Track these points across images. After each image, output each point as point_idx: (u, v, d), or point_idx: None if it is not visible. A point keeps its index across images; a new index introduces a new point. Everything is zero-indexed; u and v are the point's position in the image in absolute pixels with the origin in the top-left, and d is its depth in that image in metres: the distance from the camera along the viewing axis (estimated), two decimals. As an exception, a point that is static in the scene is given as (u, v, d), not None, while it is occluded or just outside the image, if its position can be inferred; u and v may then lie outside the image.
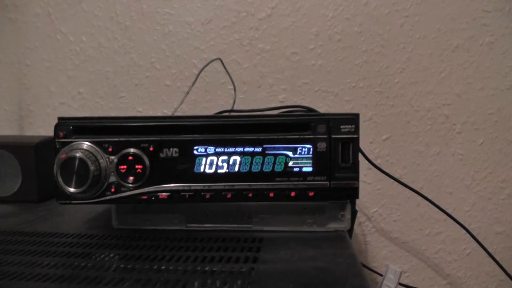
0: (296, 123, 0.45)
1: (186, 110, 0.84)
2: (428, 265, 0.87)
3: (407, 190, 0.76)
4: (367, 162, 0.70)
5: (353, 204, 0.69)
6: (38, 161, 0.62)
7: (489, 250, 0.77)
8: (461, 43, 0.83)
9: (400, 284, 0.78)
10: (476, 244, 0.77)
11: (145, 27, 0.87)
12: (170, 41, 0.87)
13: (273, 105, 0.84)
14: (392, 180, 0.74)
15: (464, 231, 0.77)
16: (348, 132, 0.45)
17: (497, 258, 0.77)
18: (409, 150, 0.85)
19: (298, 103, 0.84)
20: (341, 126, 0.45)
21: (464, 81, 0.84)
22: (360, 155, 0.48)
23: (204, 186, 0.45)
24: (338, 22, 0.84)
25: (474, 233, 0.77)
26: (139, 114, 0.88)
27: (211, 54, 0.85)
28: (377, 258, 0.87)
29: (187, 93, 0.76)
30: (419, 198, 0.77)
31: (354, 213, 0.70)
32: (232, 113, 0.77)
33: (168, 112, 0.86)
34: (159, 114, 0.87)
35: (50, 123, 0.89)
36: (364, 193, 0.86)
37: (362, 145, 0.78)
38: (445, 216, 0.76)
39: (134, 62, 0.88)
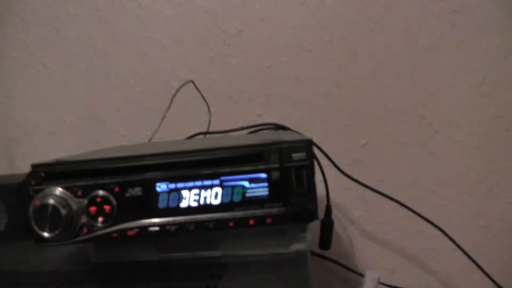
0: (249, 155, 0.48)
1: (165, 132, 0.86)
2: (415, 263, 0.89)
3: (388, 191, 0.78)
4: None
5: (328, 216, 0.71)
6: (21, 200, 0.65)
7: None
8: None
9: (386, 284, 0.81)
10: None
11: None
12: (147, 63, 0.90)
13: (251, 119, 0.87)
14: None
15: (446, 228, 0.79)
16: (300, 160, 0.47)
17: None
18: (388, 152, 0.87)
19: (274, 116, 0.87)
20: (293, 155, 0.47)
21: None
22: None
23: (168, 220, 0.48)
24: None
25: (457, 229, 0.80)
26: (122, 138, 0.91)
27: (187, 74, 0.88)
28: (363, 260, 0.89)
29: (163, 118, 0.78)
30: (400, 198, 0.79)
31: (330, 224, 0.72)
32: (207, 135, 0.80)
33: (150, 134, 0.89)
34: (142, 137, 0.90)
35: (40, 154, 0.93)
36: (347, 199, 0.88)
37: (340, 151, 0.80)
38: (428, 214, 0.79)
39: (114, 87, 0.91)
